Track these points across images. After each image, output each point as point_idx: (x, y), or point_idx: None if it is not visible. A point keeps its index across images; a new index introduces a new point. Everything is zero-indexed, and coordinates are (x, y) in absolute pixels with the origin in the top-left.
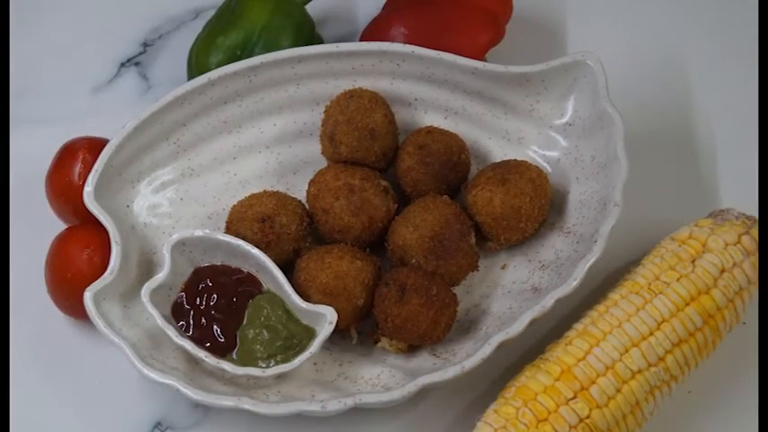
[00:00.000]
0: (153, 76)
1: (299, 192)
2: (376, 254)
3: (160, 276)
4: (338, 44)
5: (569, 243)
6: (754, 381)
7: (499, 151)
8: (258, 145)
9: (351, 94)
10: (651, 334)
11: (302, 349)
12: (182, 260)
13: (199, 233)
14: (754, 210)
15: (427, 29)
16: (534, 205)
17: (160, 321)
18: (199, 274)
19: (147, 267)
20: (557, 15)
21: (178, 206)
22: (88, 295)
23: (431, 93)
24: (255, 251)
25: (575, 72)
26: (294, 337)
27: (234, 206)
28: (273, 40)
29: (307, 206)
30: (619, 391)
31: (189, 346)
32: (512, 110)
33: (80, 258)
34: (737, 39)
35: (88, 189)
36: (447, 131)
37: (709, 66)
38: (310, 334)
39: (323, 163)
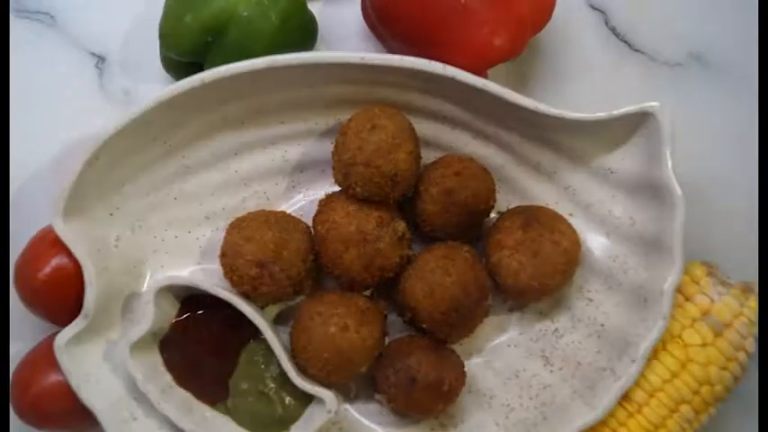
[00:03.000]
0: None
1: (306, 190)
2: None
3: (142, 328)
4: (363, 55)
5: (589, 323)
6: (754, 381)
7: (527, 180)
8: (263, 141)
9: (373, 125)
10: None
11: (296, 419)
12: (166, 302)
13: (185, 282)
14: None
15: (437, 14)
16: (564, 280)
17: (141, 385)
18: (188, 307)
19: (136, 280)
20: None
21: (171, 207)
22: (59, 345)
23: (463, 115)
24: (252, 314)
25: (636, 121)
26: (288, 416)
27: (230, 231)
28: (254, 19)
29: (312, 231)
30: None
31: (172, 412)
32: (550, 144)
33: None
34: None
35: (57, 221)
36: (477, 172)
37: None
38: (307, 402)
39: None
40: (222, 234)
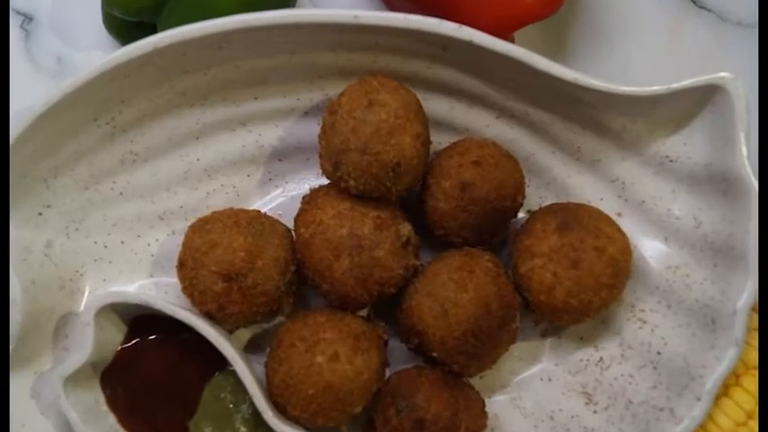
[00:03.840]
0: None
1: (286, 183)
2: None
3: (79, 357)
4: (357, 13)
5: (642, 351)
6: None
7: (562, 170)
8: (231, 122)
9: (370, 101)
10: None
11: None
12: (109, 324)
13: (133, 299)
14: None
15: None
16: (610, 296)
17: (78, 428)
18: (137, 331)
19: (72, 297)
20: None
21: (116, 204)
22: None
23: (483, 87)
24: (217, 340)
25: (701, 96)
26: None
27: (190, 235)
28: None
29: (293, 235)
30: None
31: None
32: (594, 125)
33: None
34: None
35: None
36: (501, 160)
37: None
38: None
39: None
40: (180, 239)
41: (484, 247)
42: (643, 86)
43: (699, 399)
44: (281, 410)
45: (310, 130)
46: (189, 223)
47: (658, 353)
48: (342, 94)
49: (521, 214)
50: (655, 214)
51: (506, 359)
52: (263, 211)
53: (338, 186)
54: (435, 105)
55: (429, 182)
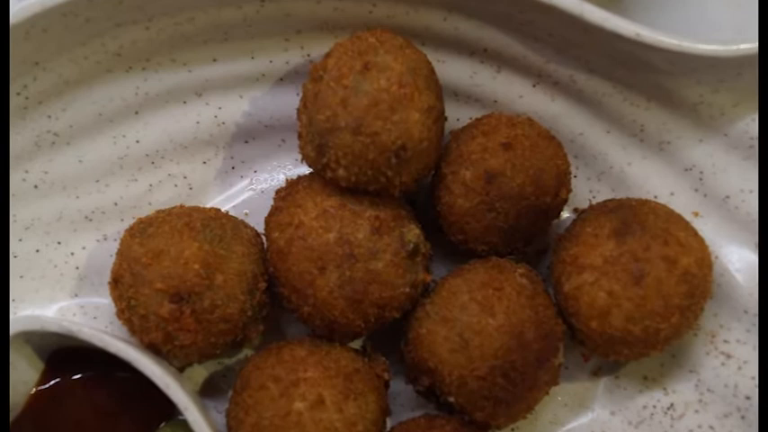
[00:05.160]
0: None
1: (254, 173)
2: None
3: None
4: None
5: (726, 394)
6: None
7: (620, 154)
8: (182, 91)
9: (365, 63)
10: None
11: None
12: (21, 359)
13: (52, 327)
14: None
15: None
16: (683, 322)
17: None
18: (58, 367)
19: None
20: None
21: (29, 200)
22: None
23: (516, 46)
24: (163, 380)
25: None
26: None
27: (128, 241)
28: None
29: (264, 242)
30: None
31: None
32: (662, 96)
33: None
34: None
35: None
36: (539, 142)
37: None
38: None
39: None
40: (114, 246)
41: (516, 257)
42: (727, 44)
43: None
44: None
45: (286, 102)
46: (126, 225)
47: (747, 397)
48: (328, 56)
49: (565, 214)
50: (742, 213)
51: (546, 405)
52: (223, 209)
53: (323, 177)
54: (453, 69)
55: (444, 171)
